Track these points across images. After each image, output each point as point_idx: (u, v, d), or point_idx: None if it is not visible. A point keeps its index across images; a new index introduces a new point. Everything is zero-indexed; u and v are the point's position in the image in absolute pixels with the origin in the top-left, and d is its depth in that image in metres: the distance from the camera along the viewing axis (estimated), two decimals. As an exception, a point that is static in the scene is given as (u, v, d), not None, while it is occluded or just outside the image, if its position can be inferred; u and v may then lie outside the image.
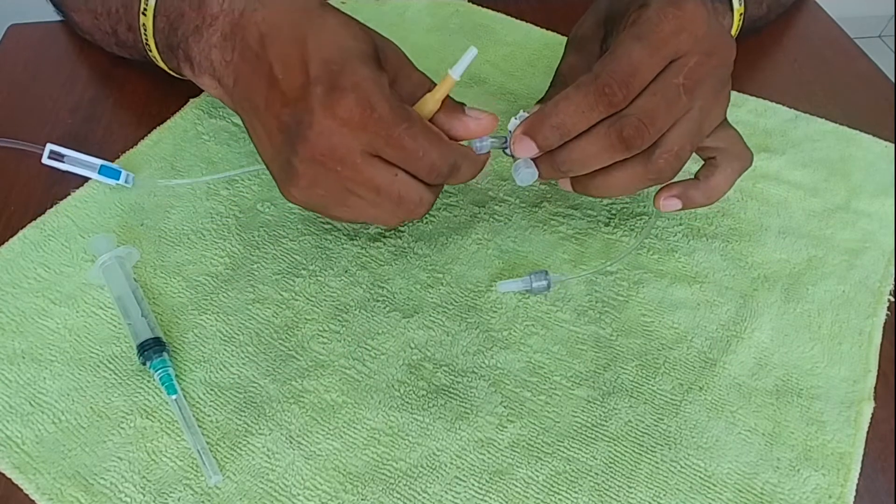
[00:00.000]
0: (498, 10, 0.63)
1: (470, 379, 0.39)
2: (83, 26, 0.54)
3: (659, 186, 0.43)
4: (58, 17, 0.58)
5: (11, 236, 0.43)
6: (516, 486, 0.35)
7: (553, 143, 0.38)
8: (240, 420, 0.37)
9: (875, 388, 0.40)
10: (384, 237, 0.45)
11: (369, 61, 0.36)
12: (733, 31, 0.53)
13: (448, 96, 0.39)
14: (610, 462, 0.36)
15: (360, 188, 0.37)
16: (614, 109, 0.37)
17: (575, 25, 0.46)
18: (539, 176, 0.40)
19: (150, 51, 0.47)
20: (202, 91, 0.53)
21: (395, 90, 0.37)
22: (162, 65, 0.47)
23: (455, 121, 0.39)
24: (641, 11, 0.38)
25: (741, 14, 0.52)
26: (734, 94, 0.57)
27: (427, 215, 0.47)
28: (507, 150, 0.40)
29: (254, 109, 0.38)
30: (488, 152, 0.40)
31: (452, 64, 0.58)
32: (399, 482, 0.35)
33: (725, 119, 0.42)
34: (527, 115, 0.39)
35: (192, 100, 0.53)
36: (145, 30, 0.45)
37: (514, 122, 0.40)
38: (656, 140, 0.38)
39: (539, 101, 0.43)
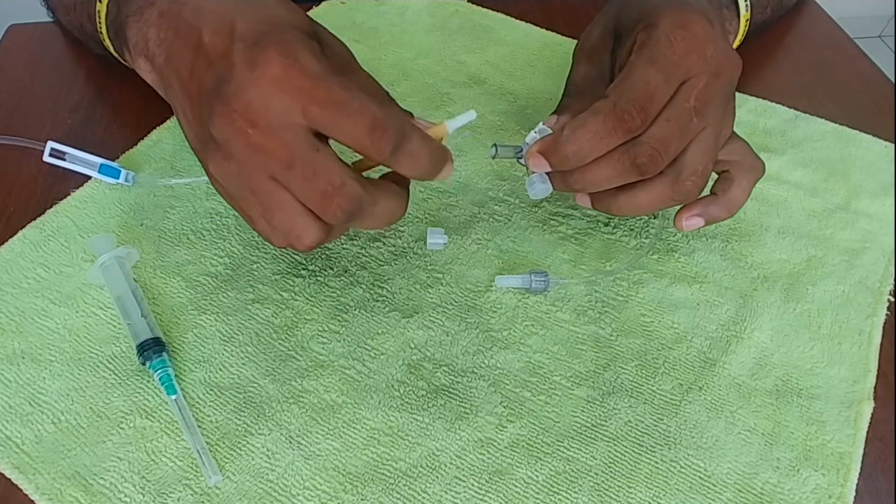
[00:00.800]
0: (498, 10, 0.63)
1: (470, 379, 0.39)
2: (64, 23, 0.55)
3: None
4: (56, 18, 0.58)
5: (11, 236, 0.43)
6: (516, 486, 0.35)
7: (568, 166, 0.38)
8: (239, 420, 0.37)
9: (875, 388, 0.40)
10: (384, 237, 0.45)
11: (302, 31, 0.33)
12: (739, 37, 0.53)
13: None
14: (610, 462, 0.36)
15: (273, 161, 0.32)
16: (632, 135, 0.37)
17: (583, 34, 0.46)
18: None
19: (104, 39, 0.45)
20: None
21: None
22: (114, 53, 0.46)
23: None
24: (650, 33, 0.38)
25: (747, 20, 0.52)
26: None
27: (427, 215, 0.46)
28: (522, 161, 0.40)
29: (179, 82, 0.35)
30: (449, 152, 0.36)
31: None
32: (399, 482, 0.35)
33: (733, 131, 0.42)
34: (545, 127, 0.40)
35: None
36: (99, 17, 0.45)
37: (532, 136, 0.40)
38: (675, 161, 0.38)
39: (554, 112, 0.43)
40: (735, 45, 0.52)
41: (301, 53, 0.31)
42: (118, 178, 0.46)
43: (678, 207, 0.42)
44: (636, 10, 0.40)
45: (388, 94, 0.37)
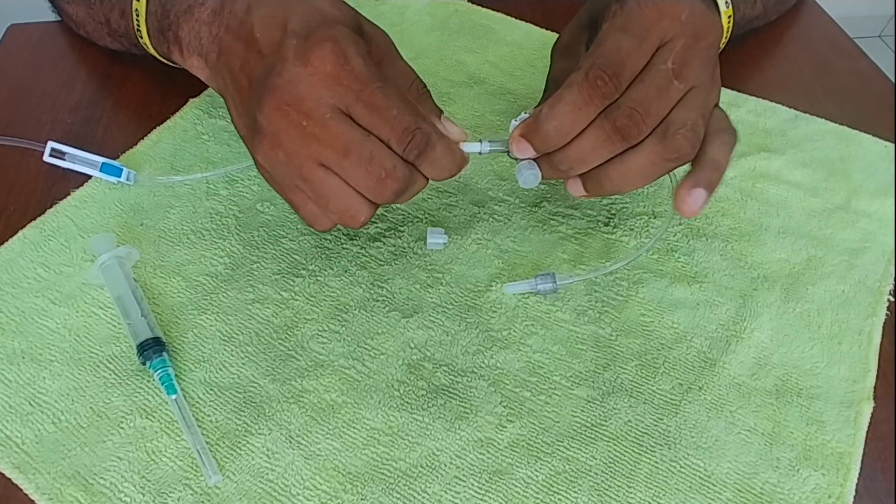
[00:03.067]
0: (498, 10, 0.63)
1: (469, 379, 0.39)
2: (76, 18, 0.54)
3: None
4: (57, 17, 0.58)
5: (11, 236, 0.43)
6: (516, 486, 0.35)
7: (551, 145, 0.38)
8: (239, 420, 0.37)
9: (875, 387, 0.40)
10: (384, 237, 0.45)
11: (349, 26, 0.36)
12: (724, 34, 0.52)
13: (432, 101, 0.40)
14: (609, 462, 0.36)
15: (327, 149, 0.34)
16: (608, 101, 0.36)
17: (560, 35, 0.47)
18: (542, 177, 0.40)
19: (142, 37, 0.46)
20: (202, 91, 0.53)
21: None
22: (152, 51, 0.47)
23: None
24: (622, 5, 0.38)
25: (729, 16, 0.51)
26: (734, 93, 0.57)
27: (427, 215, 0.47)
28: (510, 154, 0.40)
29: (230, 74, 0.38)
30: (467, 155, 0.39)
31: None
32: (399, 482, 0.35)
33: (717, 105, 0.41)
34: (527, 115, 0.39)
35: (191, 100, 0.53)
36: (137, 15, 0.45)
37: (513, 124, 0.40)
38: (664, 121, 0.37)
39: (537, 106, 0.42)
40: (723, 44, 0.51)
41: (350, 53, 0.34)
42: (120, 177, 0.46)
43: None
44: None
45: (423, 84, 0.40)
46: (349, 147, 0.34)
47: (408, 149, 0.35)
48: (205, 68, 0.41)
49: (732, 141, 0.41)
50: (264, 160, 0.36)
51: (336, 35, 0.34)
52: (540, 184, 0.49)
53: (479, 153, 0.40)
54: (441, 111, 0.40)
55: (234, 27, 0.38)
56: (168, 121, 0.51)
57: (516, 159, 0.40)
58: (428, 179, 0.38)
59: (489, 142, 0.40)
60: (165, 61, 0.47)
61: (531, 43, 0.61)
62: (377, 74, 0.35)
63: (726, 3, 0.50)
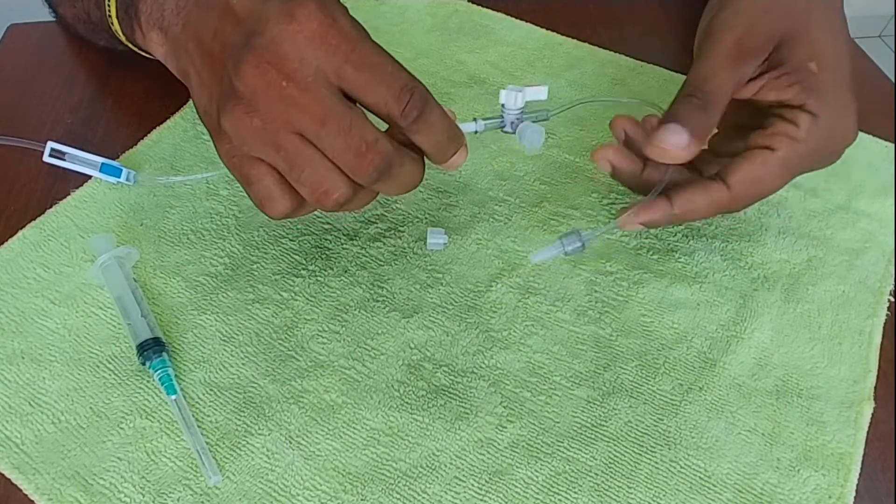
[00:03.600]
0: (498, 10, 0.63)
1: (470, 379, 0.39)
2: (67, 18, 0.54)
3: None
4: (57, 17, 0.58)
5: (11, 236, 0.43)
6: (516, 487, 0.35)
7: (668, 224, 0.42)
8: (239, 420, 0.37)
9: (875, 388, 0.40)
10: (384, 237, 0.45)
11: None
12: None
13: None
14: (610, 462, 0.36)
15: (305, 116, 0.31)
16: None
17: (704, 30, 0.43)
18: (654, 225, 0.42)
19: (112, 23, 0.45)
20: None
21: None
22: (122, 37, 0.46)
23: None
24: (799, 118, 0.39)
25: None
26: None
27: (427, 215, 0.46)
28: (504, 128, 0.40)
29: (199, 46, 0.35)
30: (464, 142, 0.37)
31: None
32: (399, 482, 0.35)
33: None
34: (517, 87, 0.40)
35: (192, 100, 0.52)
36: (108, 1, 0.44)
37: (504, 94, 0.39)
38: (744, 183, 0.40)
39: (665, 114, 0.40)
40: None
41: (338, 13, 0.32)
42: (120, 177, 0.46)
43: None
44: (801, 47, 0.40)
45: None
46: (328, 114, 0.31)
47: (408, 108, 0.32)
48: (164, 43, 0.39)
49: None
50: (234, 128, 0.33)
51: None
52: (540, 184, 0.49)
53: (476, 132, 0.40)
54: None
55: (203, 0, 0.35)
56: (168, 121, 0.51)
57: (509, 131, 0.40)
58: (423, 165, 0.36)
59: (483, 120, 0.40)
60: (136, 50, 0.45)
61: (531, 43, 0.61)
62: (366, 34, 0.32)
63: None
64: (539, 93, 0.40)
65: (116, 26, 0.45)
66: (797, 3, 0.42)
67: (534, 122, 0.41)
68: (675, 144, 0.38)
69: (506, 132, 0.40)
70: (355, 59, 0.31)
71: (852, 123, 0.40)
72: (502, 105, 0.40)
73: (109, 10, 0.44)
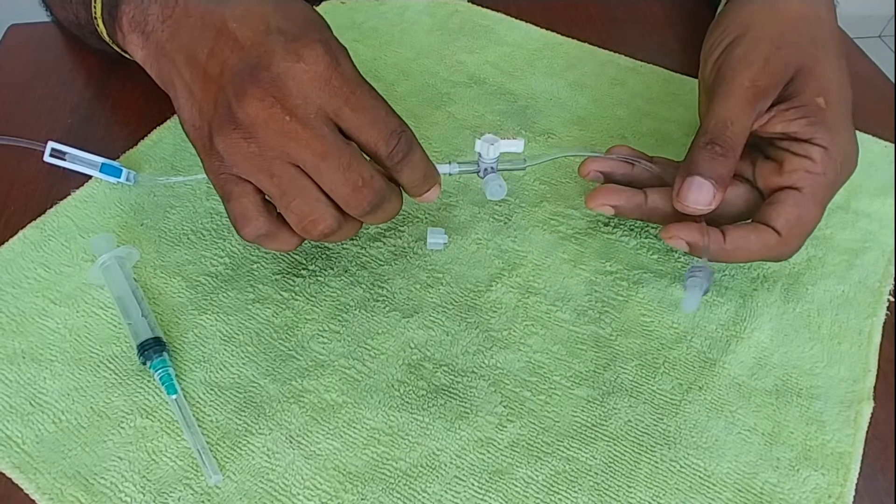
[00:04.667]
0: (498, 10, 0.63)
1: (470, 379, 0.39)
2: (61, 20, 0.54)
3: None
4: (57, 18, 0.58)
5: (11, 236, 0.43)
6: (516, 486, 0.35)
7: (713, 257, 0.41)
8: (240, 420, 0.37)
9: (874, 387, 0.40)
10: (384, 237, 0.45)
11: (331, 32, 0.36)
12: None
13: None
14: (610, 462, 0.36)
15: (305, 150, 0.33)
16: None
17: (714, 71, 0.43)
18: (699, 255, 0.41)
19: (98, 25, 0.45)
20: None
21: None
22: (107, 39, 0.45)
23: None
24: (812, 152, 0.39)
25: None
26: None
27: (427, 215, 0.47)
28: (479, 173, 0.42)
29: (189, 60, 0.36)
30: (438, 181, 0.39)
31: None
32: (399, 482, 0.35)
33: None
34: (492, 136, 0.41)
35: (176, 108, 0.52)
36: (94, 2, 0.44)
37: (479, 144, 0.41)
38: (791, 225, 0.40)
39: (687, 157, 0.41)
40: None
41: (341, 58, 0.34)
42: (120, 178, 0.46)
43: None
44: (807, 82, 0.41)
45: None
46: (328, 150, 0.33)
47: (395, 150, 0.35)
48: (144, 47, 0.39)
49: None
50: (228, 151, 0.34)
51: (326, 38, 0.34)
52: (540, 184, 0.49)
53: (449, 174, 0.42)
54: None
55: (197, 12, 0.36)
56: (168, 121, 0.51)
57: (481, 177, 0.42)
58: (401, 202, 0.38)
59: (458, 163, 0.42)
60: (124, 54, 0.45)
61: (531, 43, 0.61)
62: (363, 79, 0.35)
63: None
64: (514, 145, 0.41)
65: (102, 28, 0.45)
66: (806, 37, 0.42)
67: (512, 169, 0.43)
68: (703, 202, 0.40)
69: (480, 177, 0.42)
70: (354, 102, 0.34)
71: (856, 153, 0.41)
72: (478, 153, 0.41)
73: (95, 12, 0.45)
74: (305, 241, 0.44)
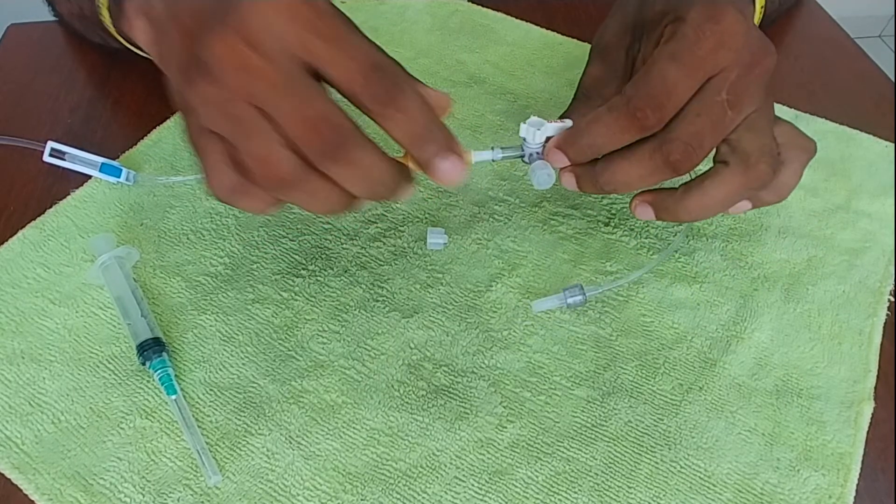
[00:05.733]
0: (498, 10, 0.63)
1: (470, 379, 0.39)
2: (65, 15, 0.54)
3: None
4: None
5: (11, 236, 0.43)
6: (516, 487, 0.35)
7: (585, 159, 0.38)
8: (239, 420, 0.37)
9: (875, 388, 0.40)
10: (384, 237, 0.45)
11: None
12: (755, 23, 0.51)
13: None
14: (610, 462, 0.36)
15: (263, 83, 0.30)
16: (648, 132, 0.36)
17: (598, 30, 0.44)
18: (570, 185, 0.40)
19: (103, 16, 0.44)
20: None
21: None
22: (112, 30, 0.45)
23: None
24: (677, 26, 0.36)
25: (762, 6, 0.51)
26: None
27: (427, 215, 0.46)
28: (525, 159, 0.40)
29: (177, 25, 0.33)
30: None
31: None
32: (399, 482, 0.35)
33: (777, 116, 0.41)
34: (537, 119, 0.39)
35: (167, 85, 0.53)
36: None
37: (524, 128, 0.39)
38: (736, 149, 0.37)
39: (562, 116, 0.41)
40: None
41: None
42: (119, 178, 0.46)
43: None
44: (661, 4, 0.39)
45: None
46: (287, 83, 0.30)
47: (377, 89, 0.31)
48: (148, 31, 0.37)
49: (809, 158, 0.41)
50: (198, 99, 0.31)
51: None
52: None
53: (492, 161, 0.39)
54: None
55: None
56: (168, 121, 0.51)
57: (527, 162, 0.39)
58: (392, 161, 0.33)
59: (501, 148, 0.39)
60: (129, 46, 0.44)
61: (531, 43, 0.61)
62: (337, 10, 0.31)
63: None
64: (562, 127, 0.39)
65: (107, 19, 0.44)
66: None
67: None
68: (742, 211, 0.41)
69: (525, 163, 0.40)
70: (324, 32, 0.30)
71: (759, 36, 0.37)
72: (522, 137, 0.39)
73: (100, 4, 0.44)
74: (305, 242, 0.44)
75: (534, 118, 0.39)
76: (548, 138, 0.39)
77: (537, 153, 0.39)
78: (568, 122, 0.39)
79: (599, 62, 0.43)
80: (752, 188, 0.38)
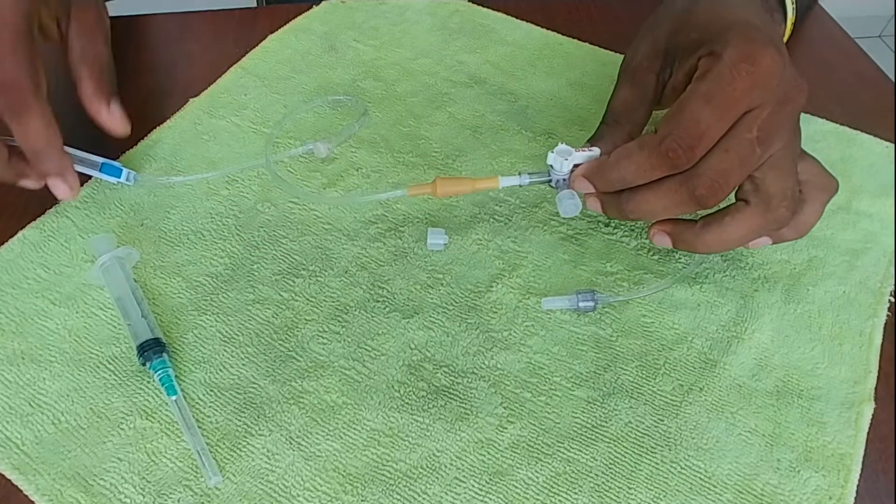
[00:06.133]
0: (498, 10, 0.63)
1: (470, 380, 0.39)
2: None
3: None
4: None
5: (11, 236, 0.43)
6: (516, 487, 0.35)
7: (612, 189, 0.39)
8: (240, 421, 0.37)
9: (875, 388, 0.40)
10: (384, 237, 0.45)
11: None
12: (784, 40, 0.51)
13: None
14: (610, 463, 0.36)
15: None
16: (678, 171, 0.37)
17: (628, 52, 0.44)
18: (595, 209, 0.41)
19: None
20: (202, 91, 0.53)
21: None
22: None
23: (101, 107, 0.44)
24: (712, 63, 0.36)
25: (793, 22, 0.50)
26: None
27: (427, 215, 0.46)
28: (552, 184, 0.41)
29: None
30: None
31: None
32: (399, 483, 0.35)
33: (802, 149, 0.41)
34: (566, 148, 0.40)
35: (191, 100, 0.53)
36: None
37: (552, 157, 0.40)
38: (758, 189, 0.38)
39: (589, 140, 0.42)
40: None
41: None
42: (120, 178, 0.46)
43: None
44: (697, 31, 0.39)
45: (107, 67, 0.45)
46: None
47: (5, 101, 0.38)
48: None
49: (830, 197, 0.42)
50: None
51: None
52: (541, 184, 0.49)
53: (520, 185, 0.41)
54: (116, 98, 0.45)
55: None
56: (168, 121, 0.51)
57: (553, 187, 0.41)
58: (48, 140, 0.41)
59: (528, 174, 0.41)
60: None
61: (532, 43, 0.61)
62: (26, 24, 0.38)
63: (793, 10, 0.49)
64: (588, 156, 0.40)
65: None
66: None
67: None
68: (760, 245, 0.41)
69: (551, 187, 0.42)
70: None
71: (793, 73, 0.37)
72: (550, 165, 0.41)
73: None
74: (305, 242, 0.44)
75: (562, 146, 0.40)
76: (575, 165, 0.40)
77: (564, 180, 0.41)
78: (596, 151, 0.40)
79: (629, 85, 0.43)
80: (769, 229, 0.39)
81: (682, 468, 0.36)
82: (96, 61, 0.45)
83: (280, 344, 0.40)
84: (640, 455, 0.37)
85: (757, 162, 0.37)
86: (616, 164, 0.38)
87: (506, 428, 0.37)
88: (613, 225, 0.47)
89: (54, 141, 0.41)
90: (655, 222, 0.41)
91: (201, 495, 0.34)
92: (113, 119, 0.45)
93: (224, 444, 0.36)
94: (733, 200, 0.39)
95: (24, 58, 0.39)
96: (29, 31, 0.39)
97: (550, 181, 0.41)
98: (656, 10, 0.44)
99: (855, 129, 0.55)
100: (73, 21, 0.45)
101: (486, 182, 0.41)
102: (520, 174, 0.41)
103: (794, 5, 0.50)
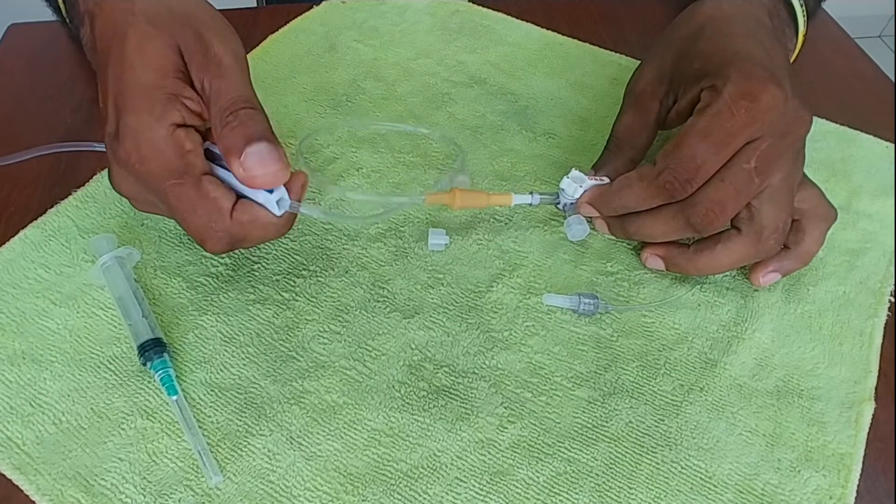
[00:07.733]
0: (498, 10, 0.63)
1: (470, 380, 0.39)
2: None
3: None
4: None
5: (12, 236, 0.43)
6: (517, 487, 0.35)
7: (615, 214, 0.42)
8: (240, 421, 0.37)
9: (876, 388, 0.40)
10: (385, 238, 0.45)
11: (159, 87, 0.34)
12: (794, 55, 0.52)
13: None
14: (611, 463, 0.36)
15: (165, 208, 0.36)
16: (677, 199, 0.38)
17: (633, 75, 0.45)
18: (603, 231, 0.45)
19: (62, 11, 0.46)
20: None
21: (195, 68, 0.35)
22: (70, 26, 0.46)
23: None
24: (712, 98, 0.37)
25: (804, 35, 0.51)
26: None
27: (428, 216, 0.46)
28: (559, 206, 0.44)
29: (97, 61, 0.37)
30: (292, 216, 0.38)
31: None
32: (400, 483, 0.35)
33: (805, 176, 0.41)
34: (580, 175, 0.43)
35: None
36: None
37: (566, 181, 0.43)
38: (752, 218, 0.39)
39: (594, 166, 0.45)
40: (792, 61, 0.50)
41: (146, 148, 0.35)
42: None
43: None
44: (700, 60, 0.39)
45: (251, 107, 0.36)
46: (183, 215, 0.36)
47: (215, 243, 0.36)
48: (89, 34, 0.39)
49: (829, 226, 0.43)
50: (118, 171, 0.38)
51: (136, 129, 0.34)
52: (541, 185, 0.49)
53: (531, 205, 0.44)
54: (265, 138, 0.35)
55: (105, 36, 0.36)
56: (168, 121, 0.51)
57: (564, 212, 0.44)
58: (271, 224, 0.37)
59: (539, 194, 0.44)
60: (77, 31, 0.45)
61: (532, 43, 0.61)
62: (175, 167, 0.34)
63: (804, 23, 0.49)
64: (599, 185, 0.43)
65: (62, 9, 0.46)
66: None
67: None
68: (771, 282, 0.43)
69: (557, 207, 0.45)
70: (163, 197, 0.36)
71: (799, 105, 0.38)
72: (561, 188, 0.43)
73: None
74: (306, 242, 0.44)
75: (576, 173, 0.43)
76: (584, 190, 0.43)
77: (571, 203, 0.44)
78: (605, 180, 0.43)
79: (632, 111, 0.44)
80: (758, 258, 0.41)
81: (682, 468, 0.36)
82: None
83: (281, 344, 0.40)
84: (641, 455, 0.37)
85: (755, 191, 0.38)
86: (618, 193, 0.40)
87: (506, 428, 0.37)
88: (614, 225, 0.47)
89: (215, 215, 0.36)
90: (648, 246, 0.43)
91: (202, 495, 0.34)
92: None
93: (225, 444, 0.36)
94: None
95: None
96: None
97: (558, 203, 0.44)
98: (663, 32, 0.45)
99: (855, 129, 0.55)
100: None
101: (500, 198, 0.43)
102: (531, 193, 0.43)
103: (805, 18, 0.50)
